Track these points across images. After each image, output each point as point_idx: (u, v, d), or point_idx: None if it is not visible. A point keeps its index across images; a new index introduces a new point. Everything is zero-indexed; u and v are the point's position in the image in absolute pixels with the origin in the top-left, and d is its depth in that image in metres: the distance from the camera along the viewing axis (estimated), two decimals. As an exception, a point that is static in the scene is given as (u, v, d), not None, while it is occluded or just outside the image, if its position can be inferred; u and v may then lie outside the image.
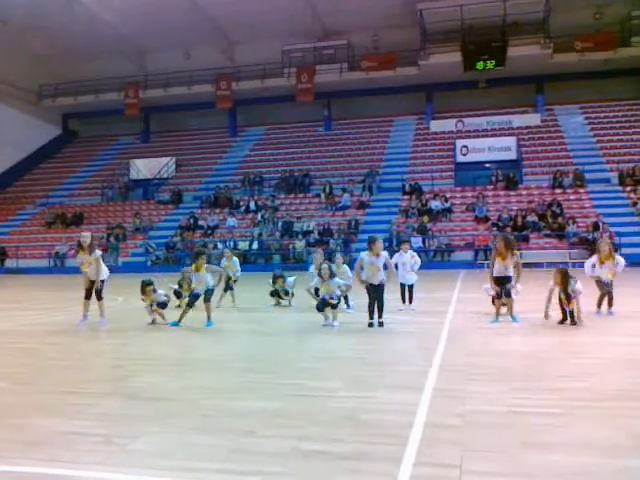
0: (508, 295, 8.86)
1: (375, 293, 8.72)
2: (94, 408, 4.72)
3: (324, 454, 3.61)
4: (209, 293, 9.36)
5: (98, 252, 9.55)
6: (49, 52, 36.52)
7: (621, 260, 9.89)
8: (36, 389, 5.39)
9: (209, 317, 9.28)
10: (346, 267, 10.48)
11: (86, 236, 9.65)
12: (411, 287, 10.70)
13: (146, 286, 9.54)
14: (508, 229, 24.28)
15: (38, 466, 3.49)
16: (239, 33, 35.41)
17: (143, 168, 36.35)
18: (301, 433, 3.99)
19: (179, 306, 11.98)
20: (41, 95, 39.00)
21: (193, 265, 9.46)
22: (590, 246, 20.83)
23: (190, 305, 9.24)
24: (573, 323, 8.43)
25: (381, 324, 8.69)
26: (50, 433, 4.09)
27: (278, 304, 11.77)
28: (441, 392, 4.96)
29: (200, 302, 9.25)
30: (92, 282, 9.51)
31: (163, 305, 9.58)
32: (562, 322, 8.56)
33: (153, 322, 9.42)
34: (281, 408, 4.61)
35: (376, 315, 8.73)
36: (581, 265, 10.08)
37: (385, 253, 8.95)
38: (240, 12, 32.44)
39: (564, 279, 8.49)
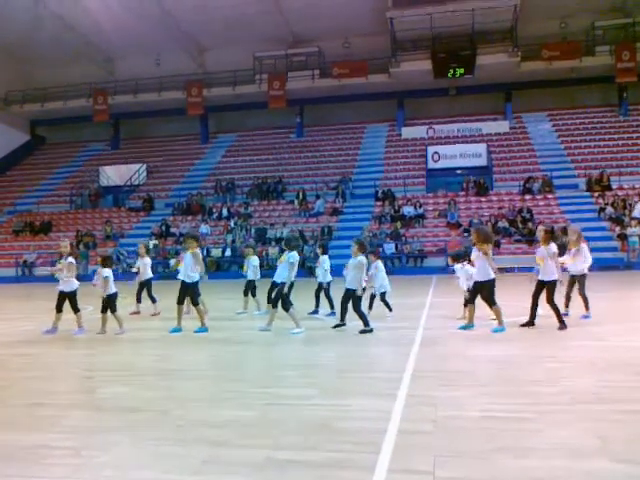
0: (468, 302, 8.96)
1: (344, 297, 8.88)
2: (62, 420, 4.63)
3: (298, 463, 3.59)
4: (194, 292, 9.36)
5: (70, 259, 9.41)
6: (15, 57, 35.91)
7: (587, 253, 10.02)
8: (2, 402, 5.26)
9: (203, 323, 9.32)
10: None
11: (64, 244, 9.59)
12: (382, 295, 10.69)
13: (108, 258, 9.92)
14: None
15: (4, 482, 3.41)
16: (210, 40, 35.27)
17: (113, 175, 35.89)
18: (274, 442, 3.97)
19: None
20: (8, 101, 38.30)
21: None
22: (560, 250, 21.07)
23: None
24: (562, 327, 8.52)
25: (362, 331, 8.67)
26: (17, 447, 4.00)
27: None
28: (414, 398, 4.98)
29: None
30: (63, 295, 9.36)
31: (114, 300, 9.45)
32: (526, 325, 8.69)
33: (102, 332, 9.31)
34: (254, 417, 4.58)
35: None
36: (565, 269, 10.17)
37: (360, 258, 8.86)
38: (211, 19, 32.33)
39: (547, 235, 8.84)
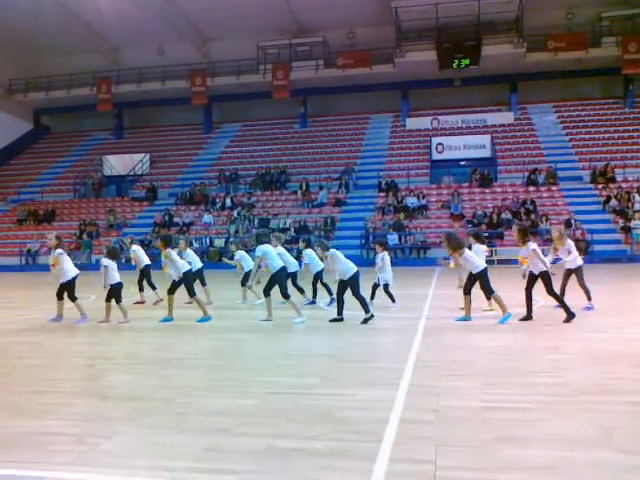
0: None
1: (339, 288, 8.97)
2: (65, 408, 4.64)
3: (299, 452, 3.59)
4: (190, 285, 9.35)
5: (58, 251, 9.40)
6: (19, 46, 35.85)
7: (572, 247, 9.93)
8: (5, 389, 5.28)
9: (204, 312, 9.36)
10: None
11: (50, 237, 9.60)
12: (385, 287, 10.75)
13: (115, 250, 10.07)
14: (483, 226, 24.51)
15: (8, 467, 3.42)
16: (214, 29, 35.14)
17: (116, 164, 35.92)
18: (276, 431, 3.98)
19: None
20: (11, 90, 38.27)
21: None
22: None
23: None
24: (569, 318, 8.45)
25: (365, 321, 8.68)
26: (20, 434, 4.01)
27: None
28: (416, 388, 4.98)
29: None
30: (61, 286, 9.39)
31: (118, 290, 9.47)
32: (525, 319, 8.65)
33: (106, 321, 9.34)
34: (256, 406, 4.58)
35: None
36: (555, 261, 10.14)
37: (331, 251, 9.18)
38: (215, 8, 32.19)
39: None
